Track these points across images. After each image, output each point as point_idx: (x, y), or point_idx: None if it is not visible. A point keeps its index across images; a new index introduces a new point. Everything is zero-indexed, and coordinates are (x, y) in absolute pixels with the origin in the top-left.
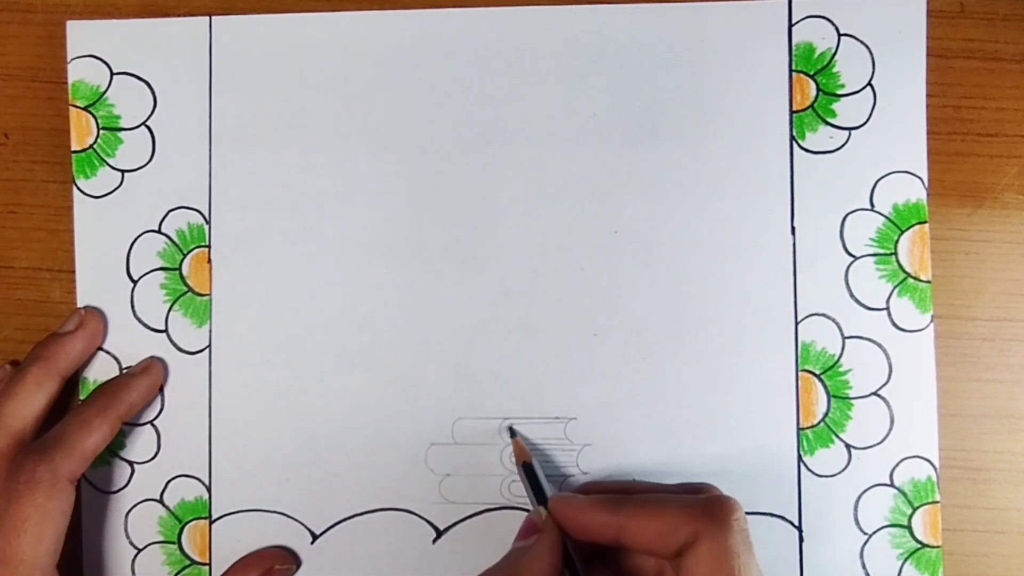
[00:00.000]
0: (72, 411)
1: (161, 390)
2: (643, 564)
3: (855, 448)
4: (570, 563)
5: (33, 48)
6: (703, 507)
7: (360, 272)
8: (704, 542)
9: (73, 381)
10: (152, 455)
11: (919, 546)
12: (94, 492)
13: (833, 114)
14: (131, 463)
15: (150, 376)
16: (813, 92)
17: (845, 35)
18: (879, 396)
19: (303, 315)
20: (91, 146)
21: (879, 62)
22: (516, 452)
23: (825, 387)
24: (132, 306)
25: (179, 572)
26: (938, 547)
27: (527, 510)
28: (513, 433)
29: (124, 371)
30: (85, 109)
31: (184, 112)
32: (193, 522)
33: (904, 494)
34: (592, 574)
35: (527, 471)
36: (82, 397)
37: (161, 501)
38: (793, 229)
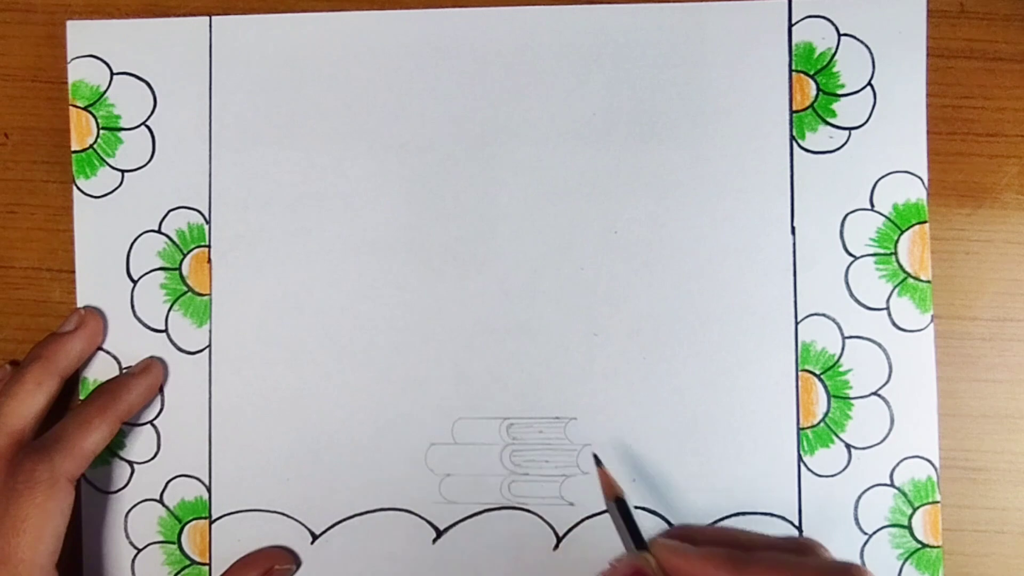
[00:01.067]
0: (72, 411)
1: (161, 390)
2: None
3: (855, 448)
4: None
5: (33, 48)
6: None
7: (360, 272)
8: None
9: (73, 381)
10: (152, 455)
11: (919, 546)
12: (94, 492)
13: (833, 114)
14: (131, 463)
15: (150, 376)
16: (813, 92)
17: (845, 35)
18: (879, 396)
19: (303, 315)
20: (91, 146)
21: (879, 62)
22: (604, 485)
23: (825, 387)
24: (132, 306)
25: (179, 572)
26: (938, 547)
27: (527, 510)
28: (599, 462)
29: (124, 371)
30: (85, 109)
31: (184, 112)
32: (193, 522)
33: (904, 494)
34: None
35: (620, 507)
36: (82, 397)
37: (161, 501)
38: (793, 229)
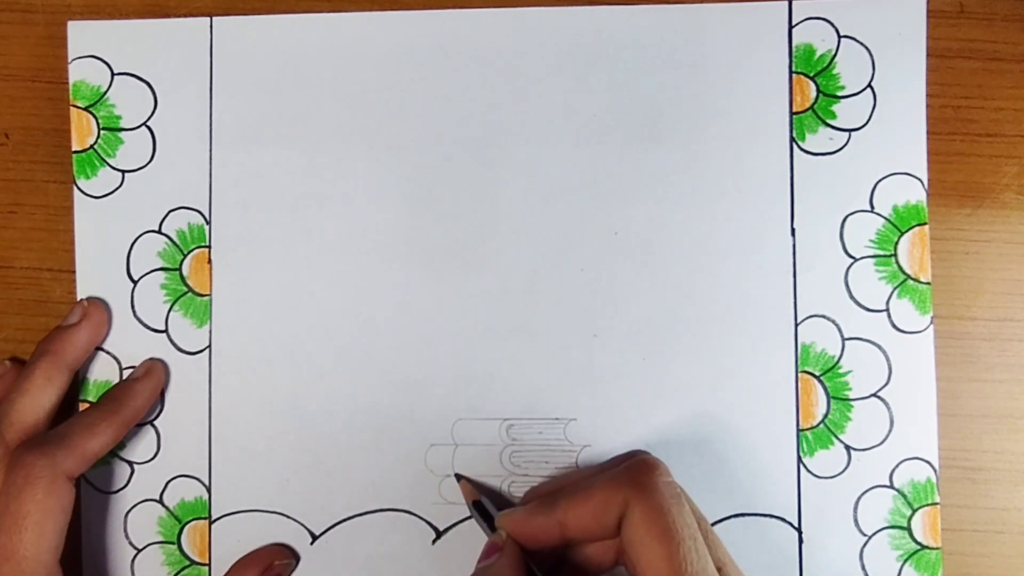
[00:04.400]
0: (79, 413)
1: (162, 391)
2: (601, 557)
3: (855, 450)
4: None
5: (34, 48)
6: (624, 475)
7: (360, 272)
8: (634, 508)
9: (74, 382)
10: (152, 455)
11: (919, 547)
12: (94, 492)
13: (833, 115)
14: (131, 463)
15: (153, 379)
16: (813, 94)
17: (845, 37)
18: (879, 398)
19: (303, 315)
20: (92, 146)
21: (879, 63)
22: (465, 493)
23: (825, 388)
24: (132, 306)
25: (179, 572)
26: (938, 548)
27: None
28: (459, 478)
29: (124, 371)
30: (86, 109)
31: (185, 112)
32: (193, 522)
33: (904, 496)
34: None
35: (478, 508)
36: (82, 398)
37: (161, 501)
38: (793, 230)
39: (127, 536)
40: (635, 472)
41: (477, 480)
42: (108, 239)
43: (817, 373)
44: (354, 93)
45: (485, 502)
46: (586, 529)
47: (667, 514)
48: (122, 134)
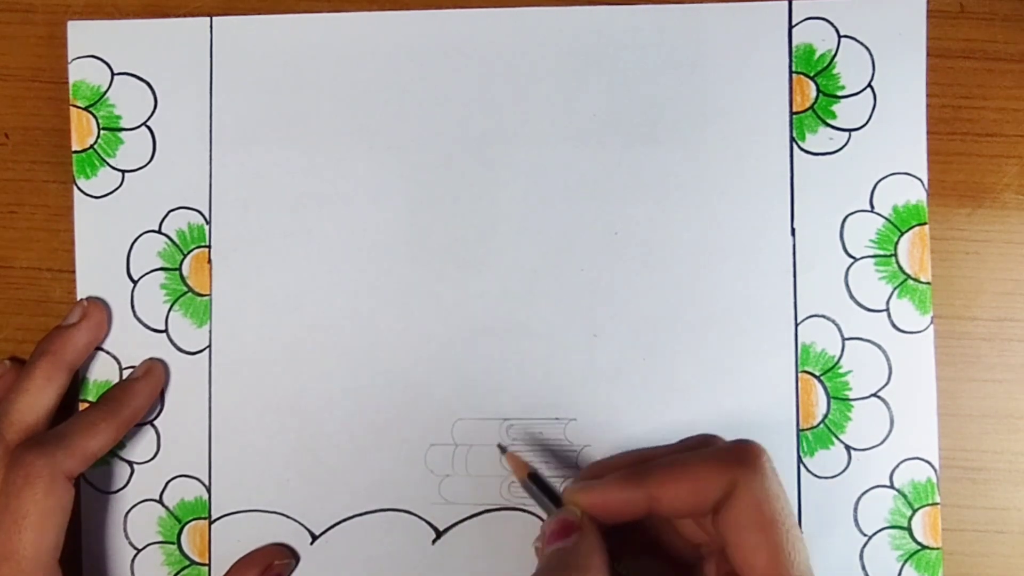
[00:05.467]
0: (79, 412)
1: (162, 391)
2: (681, 533)
3: (855, 450)
4: (614, 554)
5: (34, 48)
6: (733, 455)
7: (360, 272)
8: (742, 490)
9: (74, 381)
10: (152, 455)
11: (919, 547)
12: (94, 492)
13: (833, 115)
14: (131, 463)
15: (152, 379)
16: (813, 93)
17: (845, 36)
18: (879, 398)
19: (303, 315)
20: (92, 146)
21: (879, 63)
22: (515, 466)
23: (825, 388)
24: (132, 306)
25: (178, 572)
26: (938, 548)
27: (527, 511)
28: (504, 449)
29: (124, 371)
30: (86, 109)
31: (185, 112)
32: (193, 522)
33: (904, 496)
34: (637, 559)
35: (534, 480)
36: (82, 398)
37: (161, 501)
38: (793, 230)
39: (127, 536)
40: (744, 453)
41: (517, 455)
42: (108, 239)
43: (817, 373)
44: (354, 93)
45: (541, 477)
46: (678, 506)
47: (776, 501)
48: (122, 134)
